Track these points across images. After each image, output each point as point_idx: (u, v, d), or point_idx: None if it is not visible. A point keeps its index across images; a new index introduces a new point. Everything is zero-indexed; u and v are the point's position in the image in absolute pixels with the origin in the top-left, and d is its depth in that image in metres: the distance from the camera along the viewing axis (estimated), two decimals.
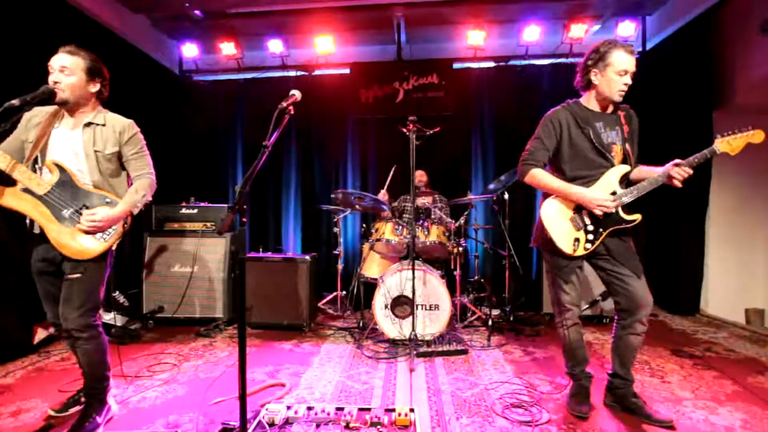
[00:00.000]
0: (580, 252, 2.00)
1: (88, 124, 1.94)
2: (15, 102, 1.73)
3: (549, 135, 2.06)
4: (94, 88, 1.95)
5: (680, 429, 1.94)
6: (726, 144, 1.88)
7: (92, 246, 1.87)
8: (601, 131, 2.02)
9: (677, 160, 1.92)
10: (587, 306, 3.62)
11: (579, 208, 2.02)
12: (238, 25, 4.56)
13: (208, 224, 3.79)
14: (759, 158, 3.95)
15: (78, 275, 1.86)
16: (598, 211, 1.94)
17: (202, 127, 5.08)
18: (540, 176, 2.05)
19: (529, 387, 2.39)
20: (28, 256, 1.94)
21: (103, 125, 1.97)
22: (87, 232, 1.85)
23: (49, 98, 1.86)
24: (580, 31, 4.32)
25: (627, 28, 4.32)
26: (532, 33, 4.38)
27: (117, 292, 3.53)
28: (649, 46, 4.52)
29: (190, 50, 4.77)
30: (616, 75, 1.95)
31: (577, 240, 2.00)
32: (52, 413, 2.07)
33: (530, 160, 2.08)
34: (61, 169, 1.88)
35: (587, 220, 2.01)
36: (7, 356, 2.78)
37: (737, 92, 3.80)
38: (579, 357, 2.13)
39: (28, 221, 1.90)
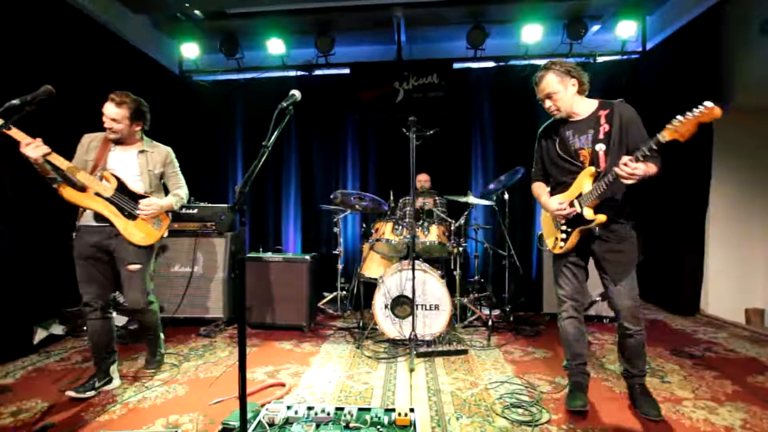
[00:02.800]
0: (558, 250, 2.17)
1: (142, 151, 2.48)
2: (16, 101, 1.75)
3: (537, 152, 2.32)
4: (138, 128, 2.46)
5: (680, 429, 1.94)
6: (672, 132, 1.72)
7: (150, 233, 2.40)
8: (569, 138, 2.10)
9: (624, 157, 1.85)
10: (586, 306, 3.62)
11: None
12: (238, 25, 4.56)
13: (208, 224, 3.78)
14: (759, 158, 3.95)
15: (140, 266, 2.37)
16: (558, 216, 2.12)
17: (202, 127, 5.09)
18: (534, 190, 2.34)
19: (529, 387, 2.40)
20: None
21: (152, 152, 2.52)
22: (144, 217, 2.36)
23: (48, 98, 1.87)
24: (580, 31, 4.32)
25: (627, 28, 4.32)
26: (532, 33, 4.38)
27: (117, 293, 3.53)
28: (649, 46, 4.52)
29: (190, 50, 4.76)
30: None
31: (556, 239, 2.17)
32: (73, 394, 2.21)
33: (532, 175, 2.38)
34: (117, 177, 2.35)
35: (561, 221, 2.15)
36: (7, 356, 2.78)
37: (737, 92, 3.79)
38: (575, 351, 2.19)
39: (80, 214, 2.36)
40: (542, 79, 2.10)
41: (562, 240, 2.11)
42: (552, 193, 2.20)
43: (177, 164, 2.64)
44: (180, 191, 2.61)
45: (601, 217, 1.98)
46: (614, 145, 1.99)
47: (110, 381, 2.38)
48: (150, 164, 2.50)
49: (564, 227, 2.11)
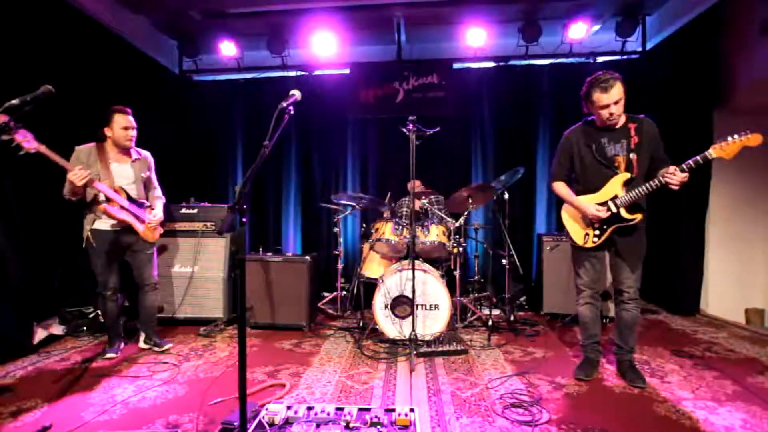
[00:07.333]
0: (590, 244, 2.41)
1: (135, 160, 2.90)
2: (14, 102, 1.74)
3: (564, 154, 2.50)
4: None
5: (680, 429, 1.94)
6: (719, 150, 2.03)
7: (156, 234, 2.99)
8: (606, 146, 2.33)
9: (672, 167, 2.12)
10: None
11: None
12: (238, 25, 4.56)
13: (208, 224, 3.78)
14: (759, 158, 3.94)
15: (151, 252, 3.00)
16: (595, 218, 2.34)
17: (202, 127, 5.08)
18: (558, 189, 2.54)
19: (529, 387, 2.40)
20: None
21: (140, 159, 2.94)
22: (155, 228, 2.97)
23: (47, 98, 1.87)
24: (580, 31, 4.32)
25: (627, 28, 4.31)
26: (532, 33, 4.37)
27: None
28: (649, 45, 4.52)
29: (190, 50, 4.76)
30: (600, 110, 2.26)
31: (587, 234, 2.43)
32: (107, 357, 2.82)
33: (554, 176, 2.56)
34: (123, 190, 2.78)
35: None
36: (7, 356, 2.78)
37: (737, 92, 3.79)
38: (590, 332, 2.54)
39: (91, 220, 2.75)
40: (615, 86, 2.21)
41: (596, 236, 2.38)
42: (578, 193, 2.45)
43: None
44: (158, 192, 3.11)
45: (640, 216, 2.27)
46: (643, 155, 2.27)
47: (121, 341, 3.04)
48: (140, 170, 2.92)
49: (598, 225, 2.37)
